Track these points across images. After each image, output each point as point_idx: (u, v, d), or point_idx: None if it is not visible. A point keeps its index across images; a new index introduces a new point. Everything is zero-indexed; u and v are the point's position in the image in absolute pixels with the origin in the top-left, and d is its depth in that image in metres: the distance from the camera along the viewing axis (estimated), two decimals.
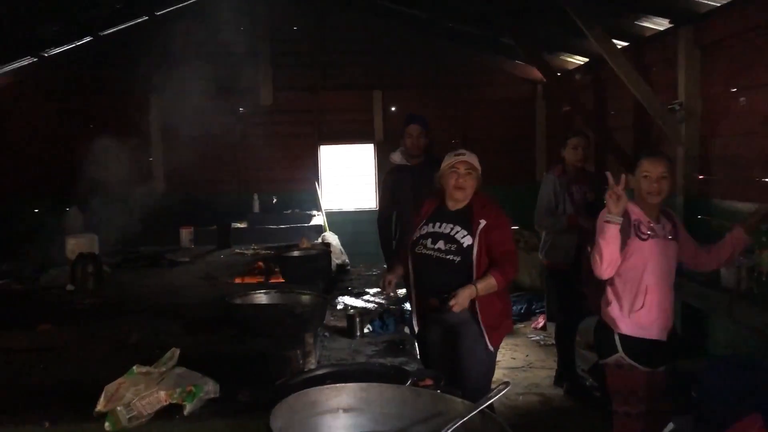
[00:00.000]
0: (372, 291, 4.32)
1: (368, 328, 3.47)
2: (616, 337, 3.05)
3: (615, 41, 5.77)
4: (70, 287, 4.18)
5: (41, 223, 6.19)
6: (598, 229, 2.97)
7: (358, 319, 3.43)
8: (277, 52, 9.19)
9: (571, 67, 8.18)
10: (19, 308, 3.81)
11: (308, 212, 8.72)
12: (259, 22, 8.84)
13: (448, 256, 3.20)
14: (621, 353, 3.04)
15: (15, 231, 6.36)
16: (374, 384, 1.75)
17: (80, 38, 8.80)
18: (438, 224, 3.30)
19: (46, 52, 8.80)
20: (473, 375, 3.18)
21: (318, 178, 9.42)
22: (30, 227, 6.34)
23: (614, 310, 3.06)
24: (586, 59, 7.64)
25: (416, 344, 3.43)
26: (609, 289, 3.10)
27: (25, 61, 8.80)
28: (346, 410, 1.71)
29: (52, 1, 7.00)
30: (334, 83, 9.40)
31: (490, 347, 3.24)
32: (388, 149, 5.46)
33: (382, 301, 3.98)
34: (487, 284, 3.13)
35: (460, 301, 3.05)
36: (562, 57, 8.18)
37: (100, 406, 2.07)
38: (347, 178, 9.77)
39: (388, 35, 9.28)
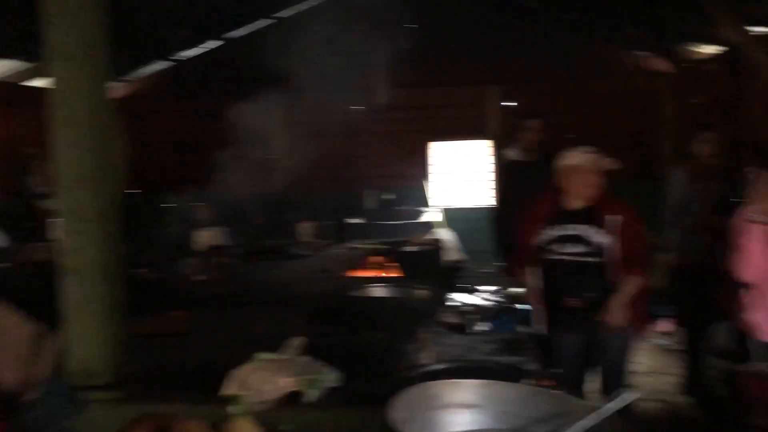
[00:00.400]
0: (487, 288, 4.26)
1: (483, 326, 3.42)
2: (757, 345, 2.84)
3: (753, 28, 5.36)
4: (199, 277, 4.43)
5: (174, 217, 6.61)
6: (739, 230, 2.77)
7: (472, 316, 3.39)
8: (390, 50, 9.26)
9: (702, 58, 7.68)
10: (153, 295, 4.08)
11: (420, 208, 8.75)
12: (373, 21, 8.95)
13: (585, 259, 3.12)
14: (762, 362, 2.83)
15: (151, 224, 6.80)
16: (495, 381, 1.73)
17: (210, 42, 9.31)
18: (564, 226, 3.21)
19: (180, 56, 9.37)
20: (618, 369, 3.13)
21: (429, 175, 9.43)
22: (164, 220, 6.77)
23: (755, 315, 2.85)
24: (720, 48, 7.15)
25: (538, 345, 3.35)
26: (749, 293, 2.89)
27: (161, 65, 9.42)
28: (465, 406, 1.70)
29: (184, 7, 7.44)
30: (446, 80, 9.36)
31: (634, 340, 3.18)
32: (503, 145, 5.37)
33: (499, 300, 3.92)
34: (634, 286, 3.06)
35: (619, 315, 3.00)
36: (692, 47, 7.70)
37: (227, 390, 2.17)
38: (461, 174, 9.70)
39: (501, 29, 9.11)
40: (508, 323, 3.45)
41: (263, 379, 2.11)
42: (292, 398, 2.14)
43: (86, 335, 2.37)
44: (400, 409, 1.58)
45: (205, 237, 5.05)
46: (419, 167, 9.40)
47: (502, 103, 9.23)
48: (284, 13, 9.28)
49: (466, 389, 1.73)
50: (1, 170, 7.17)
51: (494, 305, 3.80)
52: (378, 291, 3.24)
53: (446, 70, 9.35)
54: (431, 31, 9.23)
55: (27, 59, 7.50)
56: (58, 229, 2.58)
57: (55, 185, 2.44)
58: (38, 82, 8.02)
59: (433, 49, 9.31)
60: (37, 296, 2.42)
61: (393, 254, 4.52)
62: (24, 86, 7.93)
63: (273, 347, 2.36)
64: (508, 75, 9.18)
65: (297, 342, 2.31)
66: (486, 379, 1.79)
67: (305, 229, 6.29)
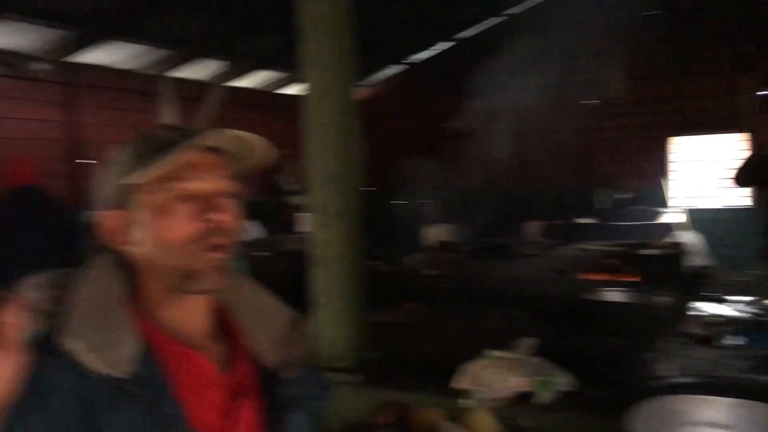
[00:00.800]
0: (740, 298, 3.84)
1: (735, 340, 3.09)
2: None
3: None
4: (430, 271, 4.59)
5: (406, 213, 6.93)
6: None
7: (721, 328, 3.08)
8: (628, 40, 8.73)
9: None
10: (388, 287, 4.30)
11: (659, 209, 8.14)
12: (610, 12, 8.51)
13: None
14: None
15: (385, 219, 7.21)
16: (754, 402, 1.56)
17: (441, 43, 9.59)
18: None
19: (413, 59, 9.79)
20: None
21: (669, 173, 8.72)
22: (397, 216, 7.13)
23: None
24: None
25: None
26: None
27: (395, 68, 9.92)
28: (715, 425, 1.56)
29: (417, 11, 7.75)
30: (691, 68, 8.58)
31: None
32: (759, 139, 4.79)
33: (756, 311, 3.51)
34: None
35: None
36: None
37: (458, 384, 2.22)
38: (709, 172, 8.83)
39: (756, 8, 8.09)
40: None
41: (495, 377, 2.13)
42: (523, 398, 2.13)
43: (332, 320, 2.59)
44: (640, 421, 1.51)
45: (435, 233, 5.22)
46: (659, 164, 8.74)
47: (758, 93, 8.22)
48: (515, 10, 9.23)
49: (717, 407, 1.59)
50: (258, 170, 8.07)
51: (750, 317, 3.41)
52: (614, 295, 3.09)
53: (692, 58, 8.57)
54: (674, 15, 8.54)
55: (281, 70, 8.36)
56: (308, 222, 2.85)
57: (306, 183, 2.69)
58: (290, 90, 8.91)
59: (678, 36, 8.60)
60: (290, 282, 2.69)
61: (629, 257, 4.26)
62: (279, 94, 8.86)
63: (501, 345, 2.37)
64: (764, 60, 8.15)
65: (529, 342, 2.30)
66: (741, 398, 1.63)
67: (533, 227, 6.20)
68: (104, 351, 0.83)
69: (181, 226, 0.89)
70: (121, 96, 6.52)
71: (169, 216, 0.89)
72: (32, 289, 0.89)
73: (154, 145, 0.90)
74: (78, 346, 0.82)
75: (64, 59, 5.78)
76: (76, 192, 5.92)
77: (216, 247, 0.90)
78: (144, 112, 6.62)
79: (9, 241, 3.86)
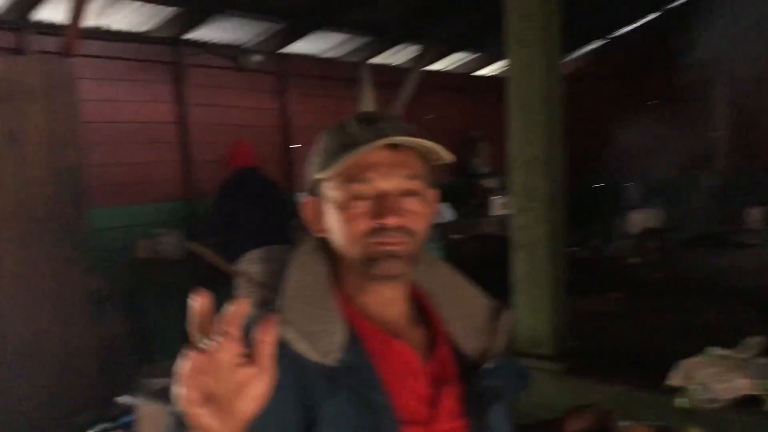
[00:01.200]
0: None
1: None
2: None
3: None
4: (634, 259, 4.32)
5: (604, 197, 6.57)
6: None
7: None
8: None
9: None
10: (588, 274, 4.12)
11: None
12: None
13: None
14: None
15: (582, 204, 6.91)
16: None
17: (647, 15, 8.92)
18: None
19: (615, 33, 9.22)
20: None
21: None
22: (594, 201, 6.78)
23: None
24: None
25: None
26: None
27: (596, 44, 9.41)
28: None
29: None
30: None
31: None
32: None
33: None
34: None
35: None
36: None
37: (673, 381, 2.06)
38: None
39: None
40: None
41: (714, 376, 1.94)
42: (750, 402, 1.92)
43: (533, 306, 2.53)
44: None
45: (639, 219, 4.89)
46: None
47: None
48: None
49: None
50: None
51: None
52: None
53: None
54: None
55: (475, 51, 8.30)
56: (507, 206, 2.80)
57: (501, 166, 2.64)
58: (484, 72, 8.82)
59: None
60: (484, 266, 2.66)
61: None
62: (473, 76, 8.82)
63: (717, 341, 2.16)
64: None
65: (755, 340, 2.06)
66: None
67: (755, 214, 5.56)
68: (316, 339, 0.85)
69: (357, 223, 0.91)
70: (325, 84, 6.90)
71: (345, 212, 0.91)
72: (253, 264, 0.97)
73: (340, 142, 0.92)
74: (292, 334, 0.85)
75: (275, 51, 6.23)
76: (288, 175, 6.39)
77: (388, 244, 0.90)
78: (346, 99, 6.94)
79: (232, 218, 4.28)
